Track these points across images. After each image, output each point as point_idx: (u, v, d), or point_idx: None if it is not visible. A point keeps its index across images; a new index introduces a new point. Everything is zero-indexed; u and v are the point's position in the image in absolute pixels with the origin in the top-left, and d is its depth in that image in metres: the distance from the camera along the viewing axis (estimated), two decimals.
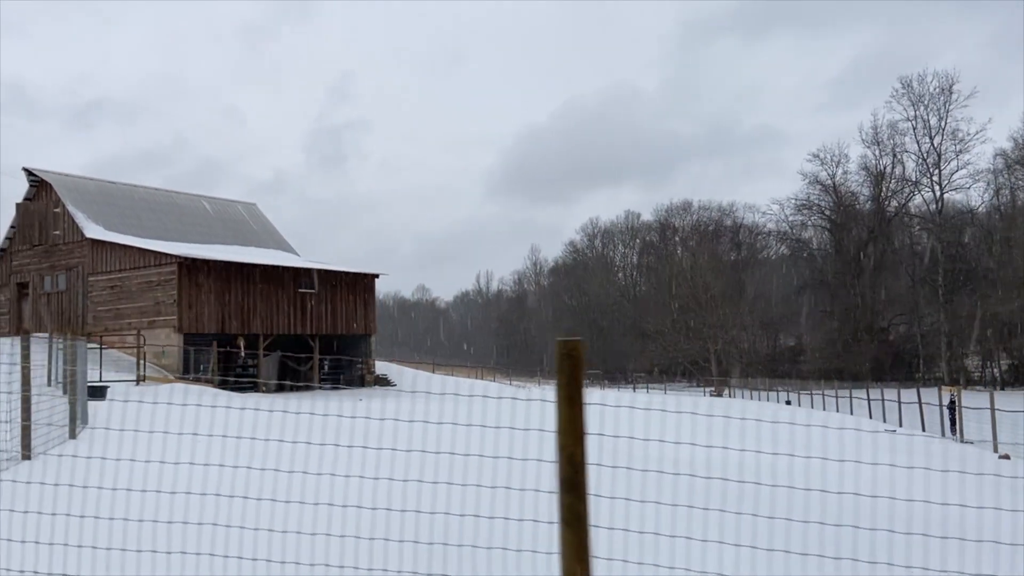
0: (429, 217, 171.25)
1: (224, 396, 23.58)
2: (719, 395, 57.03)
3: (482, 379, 59.00)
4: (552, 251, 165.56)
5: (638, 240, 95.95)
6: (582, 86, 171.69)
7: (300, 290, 33.93)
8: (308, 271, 34.39)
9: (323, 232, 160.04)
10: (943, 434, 24.32)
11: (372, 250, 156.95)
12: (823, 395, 41.21)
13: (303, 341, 34.49)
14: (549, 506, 2.94)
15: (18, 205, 33.75)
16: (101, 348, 26.31)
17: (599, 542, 3.01)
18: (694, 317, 64.60)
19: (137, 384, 26.46)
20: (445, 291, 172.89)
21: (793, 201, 76.50)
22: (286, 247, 40.29)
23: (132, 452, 5.50)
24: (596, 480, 2.81)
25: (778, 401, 46.74)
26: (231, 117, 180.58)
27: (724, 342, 62.91)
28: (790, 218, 78.40)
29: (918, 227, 71.70)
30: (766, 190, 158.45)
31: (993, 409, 20.74)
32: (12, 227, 34.43)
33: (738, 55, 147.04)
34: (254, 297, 32.08)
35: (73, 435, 11.39)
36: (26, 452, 9.11)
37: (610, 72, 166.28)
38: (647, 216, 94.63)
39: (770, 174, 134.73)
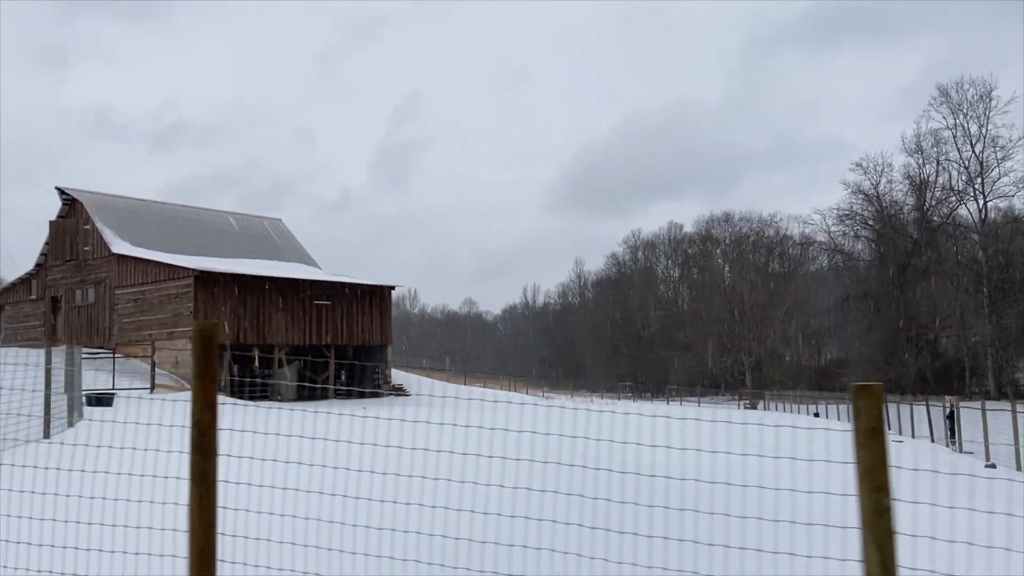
0: (485, 232, 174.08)
1: (238, 405, 24.51)
2: (754, 407, 56.24)
3: (514, 391, 59.35)
4: (596, 263, 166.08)
5: (679, 252, 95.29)
6: (643, 100, 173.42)
7: (316, 302, 34.90)
8: (323, 283, 35.37)
9: (384, 247, 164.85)
10: (947, 444, 23.81)
11: (428, 264, 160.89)
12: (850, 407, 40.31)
13: (320, 352, 35.43)
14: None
15: (51, 223, 35.63)
16: (114, 358, 27.60)
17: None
18: (729, 329, 63.84)
19: (151, 392, 27.66)
20: (495, 304, 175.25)
21: (836, 211, 75.09)
22: (308, 261, 41.45)
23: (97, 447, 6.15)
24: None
25: (807, 413, 45.98)
26: (302, 138, 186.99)
27: (759, 355, 61.95)
28: (832, 228, 76.92)
29: (963, 236, 69.58)
30: (828, 201, 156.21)
31: (985, 420, 20.46)
32: (46, 243, 36.30)
33: (802, 66, 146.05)
34: (269, 309, 33.15)
35: (72, 423, 14.54)
36: (47, 432, 12.72)
37: (671, 86, 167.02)
38: (689, 228, 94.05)
39: (835, 185, 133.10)
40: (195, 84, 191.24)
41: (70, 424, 14.72)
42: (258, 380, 32.72)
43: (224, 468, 4.96)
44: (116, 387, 26.60)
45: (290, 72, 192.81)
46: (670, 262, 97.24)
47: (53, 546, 4.62)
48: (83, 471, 5.46)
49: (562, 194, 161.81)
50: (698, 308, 76.14)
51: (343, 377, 36.69)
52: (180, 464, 4.78)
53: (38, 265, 36.68)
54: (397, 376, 41.88)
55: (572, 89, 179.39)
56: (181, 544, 4.49)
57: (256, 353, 32.56)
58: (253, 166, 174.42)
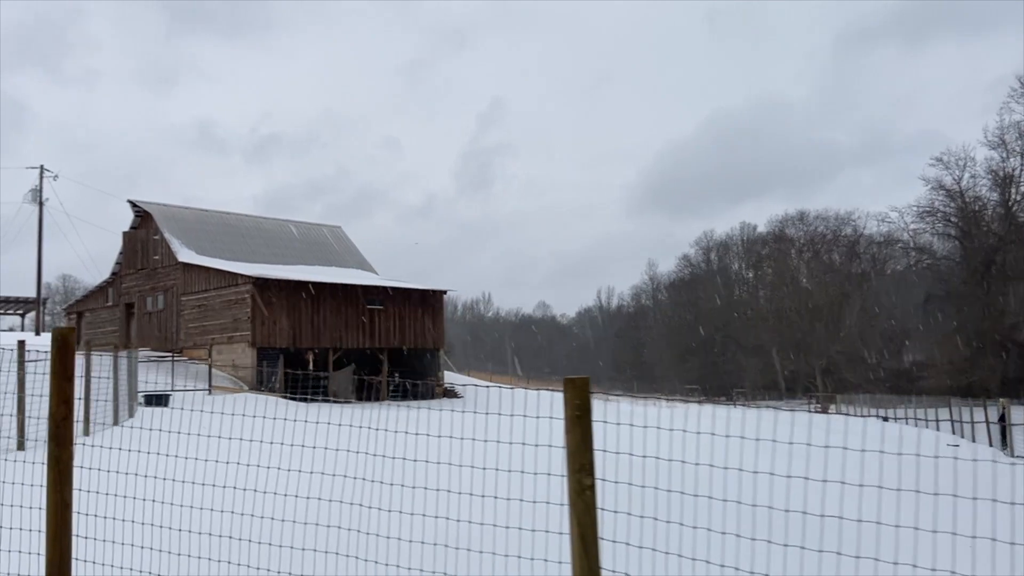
0: (563, 235, 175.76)
1: (293, 406, 25.61)
2: (825, 411, 54.68)
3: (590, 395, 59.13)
4: (671, 265, 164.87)
5: (752, 253, 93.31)
6: (727, 99, 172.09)
7: (369, 306, 35.92)
8: (377, 288, 36.37)
9: (463, 252, 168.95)
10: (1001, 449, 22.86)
11: (507, 269, 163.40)
12: (925, 411, 39.15)
13: (374, 355, 36.44)
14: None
15: (124, 233, 37.81)
16: (172, 360, 29.13)
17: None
18: (800, 331, 62.21)
19: (209, 394, 29.08)
20: (570, 307, 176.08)
21: (915, 208, 72.19)
22: (367, 267, 42.62)
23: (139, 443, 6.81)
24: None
25: (876, 417, 44.56)
26: (388, 147, 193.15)
27: (832, 357, 60.14)
28: (911, 226, 74.00)
29: None
30: (908, 198, 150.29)
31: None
32: (121, 253, 38.53)
33: (894, 62, 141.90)
34: (324, 313, 34.32)
35: (116, 422, 16.28)
36: (115, 420, 15.73)
37: (756, 85, 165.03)
38: (762, 228, 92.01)
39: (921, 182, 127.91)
40: (289, 98, 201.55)
41: (130, 415, 18.50)
42: (314, 384, 33.89)
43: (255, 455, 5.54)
44: (176, 388, 28.14)
45: (378, 82, 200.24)
46: (743, 263, 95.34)
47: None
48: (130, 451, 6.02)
49: (641, 196, 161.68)
50: (770, 309, 74.40)
51: (396, 380, 37.57)
52: (205, 447, 5.66)
53: (114, 274, 38.96)
54: (452, 378, 42.63)
55: (654, 90, 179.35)
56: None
57: (311, 357, 33.77)
58: (342, 175, 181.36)
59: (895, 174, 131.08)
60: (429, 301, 38.34)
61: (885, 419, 42.66)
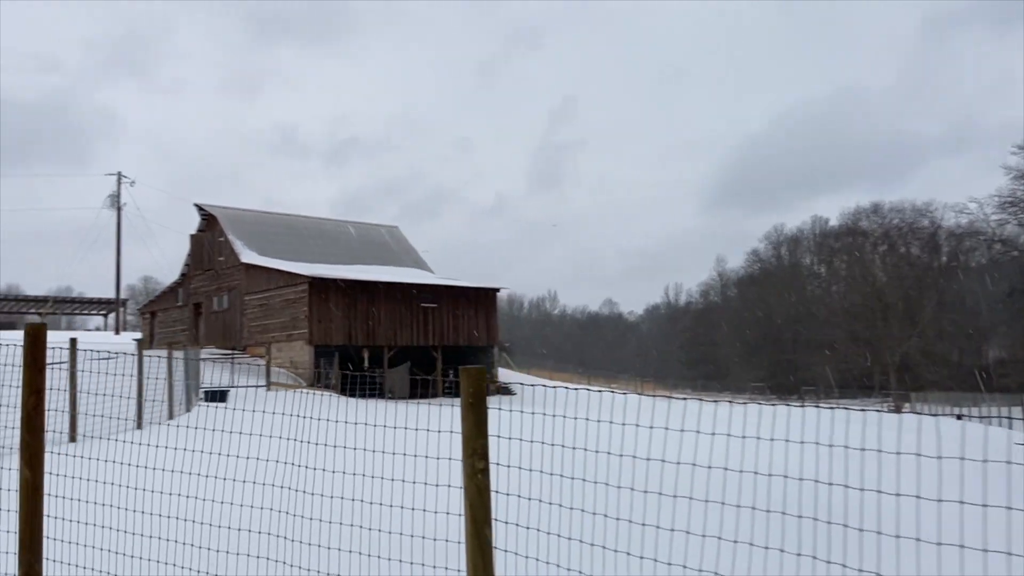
0: (633, 232, 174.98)
1: (352, 403, 26.40)
2: (899, 410, 52.90)
3: (643, 392, 58.90)
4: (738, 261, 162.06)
5: (824, 247, 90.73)
6: (805, 90, 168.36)
7: (423, 304, 36.56)
8: (430, 286, 36.98)
9: (533, 250, 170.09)
10: None
11: (575, 266, 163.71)
12: (999, 409, 37.58)
13: (428, 352, 37.07)
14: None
15: (191, 236, 39.44)
16: (232, 358, 30.28)
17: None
18: (871, 327, 60.28)
19: (268, 390, 30.15)
20: (638, 304, 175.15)
21: (995, 198, 68.90)
22: (423, 266, 43.34)
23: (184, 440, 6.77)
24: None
25: (970, 416, 42.96)
26: (461, 147, 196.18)
27: (908, 354, 58.08)
28: (991, 217, 70.68)
29: None
30: (988, 188, 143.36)
31: None
32: (189, 255, 40.21)
33: (980, 47, 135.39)
34: (379, 311, 35.11)
35: (171, 416, 17.31)
36: (171, 415, 16.88)
37: (834, 75, 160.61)
38: (834, 221, 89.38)
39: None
40: (366, 101, 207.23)
41: (187, 410, 19.39)
42: (370, 380, 34.68)
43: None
44: (236, 384, 29.27)
45: (452, 83, 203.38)
46: (815, 258, 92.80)
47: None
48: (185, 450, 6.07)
49: (712, 191, 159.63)
50: (841, 305, 72.33)
51: (451, 376, 38.12)
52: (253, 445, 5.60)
53: (183, 275, 40.68)
54: (509, 376, 42.97)
55: (729, 83, 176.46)
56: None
57: (366, 355, 34.59)
58: (415, 175, 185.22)
59: (981, 164, 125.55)
60: (482, 299, 38.76)
61: (959, 417, 41.05)
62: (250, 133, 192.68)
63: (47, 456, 8.09)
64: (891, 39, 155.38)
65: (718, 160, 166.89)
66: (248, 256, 36.38)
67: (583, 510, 4.63)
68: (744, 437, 3.96)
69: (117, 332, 51.47)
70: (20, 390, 4.35)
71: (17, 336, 14.51)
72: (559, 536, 4.38)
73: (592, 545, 4.35)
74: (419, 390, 37.53)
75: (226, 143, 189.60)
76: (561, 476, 4.54)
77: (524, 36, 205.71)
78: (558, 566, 4.44)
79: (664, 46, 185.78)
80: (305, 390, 30.29)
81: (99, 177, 65.15)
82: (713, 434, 3.98)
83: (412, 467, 5.44)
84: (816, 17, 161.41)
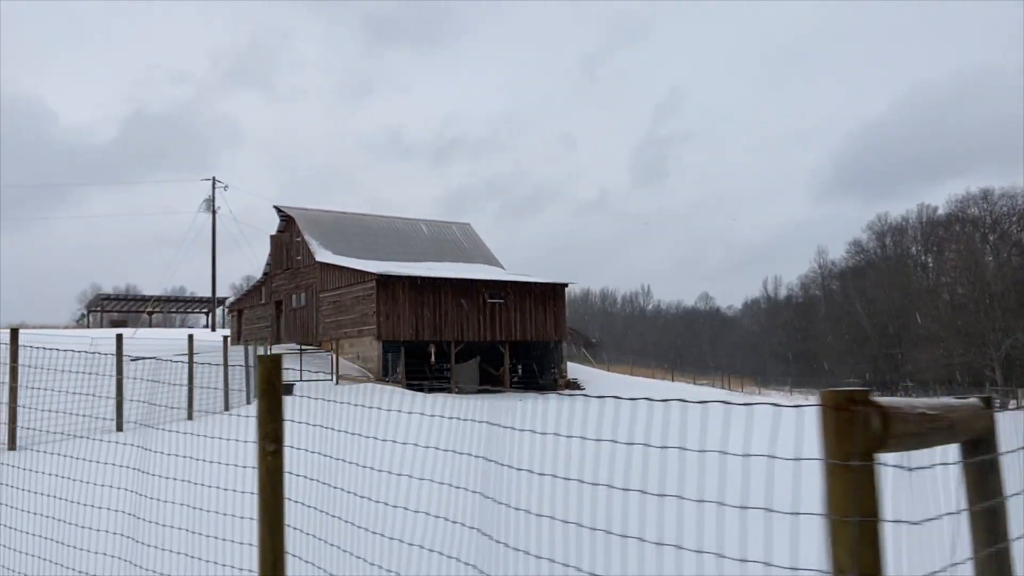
0: (739, 225, 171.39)
1: (418, 397, 27.20)
2: (1005, 407, 49.72)
3: (727, 388, 57.54)
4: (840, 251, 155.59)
5: (931, 236, 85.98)
6: (925, 74, 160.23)
7: (490, 300, 37.01)
8: (497, 283, 37.38)
9: (635, 245, 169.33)
10: None
11: (679, 260, 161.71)
12: None
13: (495, 348, 37.51)
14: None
15: (272, 237, 41.29)
16: (300, 352, 31.57)
17: None
18: (976, 320, 56.89)
19: (336, 383, 31.32)
20: (736, 298, 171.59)
21: None
22: (493, 262, 43.80)
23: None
24: None
25: None
26: (565, 143, 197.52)
27: (1010, 347, 54.48)
28: None
29: None
30: None
31: None
32: (270, 255, 42.10)
33: None
34: (445, 307, 35.79)
35: (227, 408, 18.50)
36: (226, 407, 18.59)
37: (959, 56, 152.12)
38: (942, 209, 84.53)
39: None
40: (472, 101, 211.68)
41: (247, 401, 20.69)
42: (438, 375, 35.46)
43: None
44: (304, 379, 30.53)
45: (558, 80, 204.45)
46: (920, 248, 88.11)
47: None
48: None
49: (822, 181, 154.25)
50: (945, 296, 68.53)
51: (520, 371, 38.46)
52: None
53: (265, 274, 42.63)
54: (581, 372, 42.93)
55: (843, 69, 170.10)
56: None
57: (433, 350, 35.33)
58: (519, 173, 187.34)
59: None
60: (550, 294, 38.86)
61: None
62: (360, 136, 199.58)
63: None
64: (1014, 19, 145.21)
65: (828, 148, 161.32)
66: (323, 255, 37.76)
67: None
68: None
69: (213, 329, 54.45)
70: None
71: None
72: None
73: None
74: (488, 384, 38.06)
75: (337, 147, 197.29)
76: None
77: (630, 29, 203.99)
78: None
79: (774, 32, 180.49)
80: (373, 383, 31.31)
81: (216, 182, 69.14)
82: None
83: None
84: None
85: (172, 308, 63.04)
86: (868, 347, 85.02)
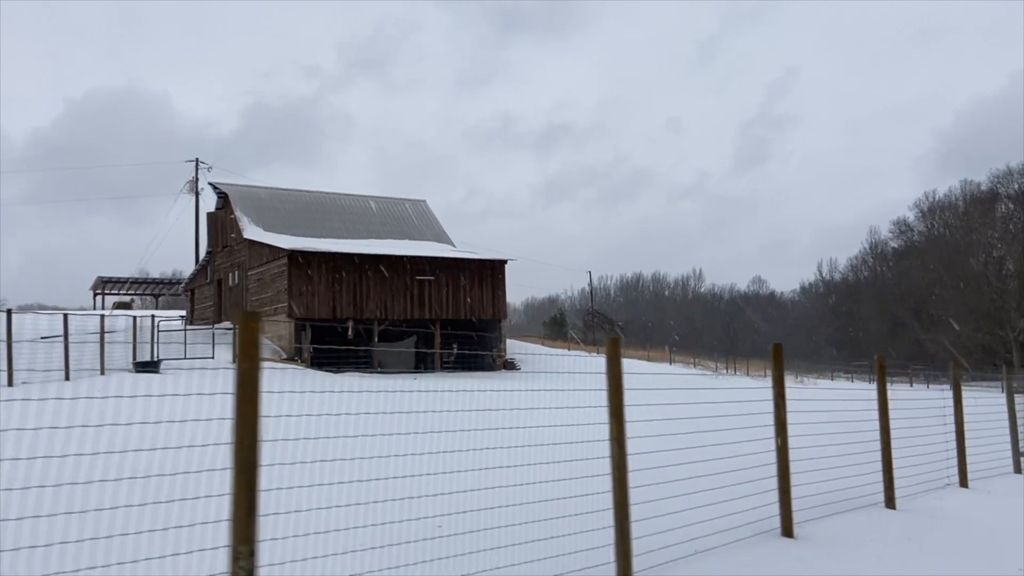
0: (829, 208, 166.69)
1: (319, 376, 25.85)
2: (1020, 392, 45.41)
3: (747, 373, 54.05)
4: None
5: (971, 214, 79.81)
6: None
7: (418, 277, 35.24)
8: (427, 259, 35.54)
9: (731, 229, 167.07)
10: None
11: (766, 245, 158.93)
12: None
13: (425, 326, 35.73)
14: None
15: (208, 214, 40.42)
16: (214, 330, 30.46)
17: None
18: (990, 300, 52.22)
19: (234, 363, 30.11)
20: (793, 282, 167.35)
21: None
22: (445, 239, 41.93)
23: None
24: None
25: None
26: (671, 128, 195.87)
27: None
28: None
29: None
30: None
31: None
32: (207, 233, 41.29)
33: None
34: (367, 285, 34.18)
35: (67, 378, 17.59)
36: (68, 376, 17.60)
37: None
38: (985, 186, 78.20)
39: None
40: (582, 88, 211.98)
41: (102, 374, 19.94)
42: (343, 352, 33.90)
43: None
44: (192, 356, 29.39)
45: (668, 65, 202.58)
46: (958, 225, 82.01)
47: None
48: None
49: (940, 157, 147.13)
50: (961, 276, 63.54)
51: (455, 350, 36.59)
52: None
53: (208, 253, 41.86)
54: (515, 349, 40.90)
55: (961, 47, 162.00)
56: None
57: (350, 327, 33.81)
58: (620, 159, 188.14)
59: None
60: (488, 271, 36.84)
61: None
62: (474, 124, 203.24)
63: None
64: None
65: (933, 128, 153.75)
66: (252, 232, 36.61)
67: None
68: None
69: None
70: None
71: None
72: None
73: None
74: (422, 366, 36.39)
75: (452, 136, 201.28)
76: None
77: (745, 12, 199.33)
78: None
79: (898, 10, 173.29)
80: (273, 363, 29.97)
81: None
82: None
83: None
84: None
85: (161, 291, 63.54)
86: (906, 329, 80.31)
